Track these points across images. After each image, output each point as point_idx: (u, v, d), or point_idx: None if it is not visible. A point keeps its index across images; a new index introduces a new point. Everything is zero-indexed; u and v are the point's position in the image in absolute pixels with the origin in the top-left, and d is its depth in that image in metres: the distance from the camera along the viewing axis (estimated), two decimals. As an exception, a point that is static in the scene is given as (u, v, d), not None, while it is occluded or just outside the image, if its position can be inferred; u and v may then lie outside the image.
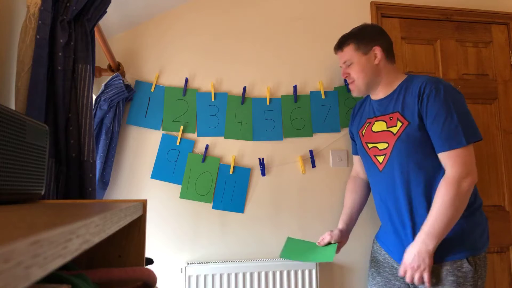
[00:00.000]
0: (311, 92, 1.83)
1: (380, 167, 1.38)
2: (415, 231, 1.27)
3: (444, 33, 2.03)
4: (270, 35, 1.86)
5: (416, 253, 1.18)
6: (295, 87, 1.80)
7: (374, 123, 1.43)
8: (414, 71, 1.97)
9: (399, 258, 1.33)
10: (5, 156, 0.53)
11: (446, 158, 1.22)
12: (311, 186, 1.78)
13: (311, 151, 1.78)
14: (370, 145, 1.43)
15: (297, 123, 1.80)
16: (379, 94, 1.43)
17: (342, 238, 1.46)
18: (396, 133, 1.32)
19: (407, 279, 1.20)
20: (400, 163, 1.31)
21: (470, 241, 1.24)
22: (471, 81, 2.02)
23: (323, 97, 1.82)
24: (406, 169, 1.29)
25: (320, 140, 1.82)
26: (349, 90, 1.53)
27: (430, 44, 2.02)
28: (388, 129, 1.35)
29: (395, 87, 1.39)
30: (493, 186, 1.96)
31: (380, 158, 1.38)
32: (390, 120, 1.35)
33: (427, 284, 1.18)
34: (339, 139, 1.82)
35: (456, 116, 1.21)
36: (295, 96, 1.80)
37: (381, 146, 1.37)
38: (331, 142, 1.82)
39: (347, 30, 1.52)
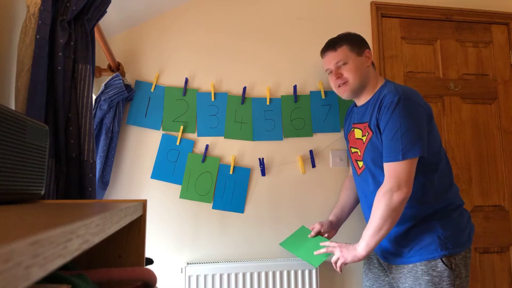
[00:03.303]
0: (311, 92, 1.83)
1: (358, 172, 1.46)
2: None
3: (444, 33, 2.03)
4: (270, 35, 1.86)
5: (356, 254, 1.29)
6: (295, 87, 1.80)
7: (354, 130, 1.49)
8: (414, 71, 1.97)
9: (380, 255, 1.45)
10: (5, 156, 0.53)
11: (385, 170, 1.28)
12: (311, 186, 1.78)
13: (311, 151, 1.78)
14: (353, 150, 1.50)
15: (297, 123, 1.80)
16: (360, 100, 1.47)
17: (331, 229, 1.55)
18: (365, 142, 1.39)
19: (334, 263, 1.34)
20: (371, 170, 1.38)
21: (445, 242, 1.28)
22: (471, 81, 2.02)
23: (323, 97, 1.82)
24: (377, 176, 1.34)
25: (320, 140, 1.82)
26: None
27: (430, 44, 2.02)
28: (362, 137, 1.42)
29: (373, 94, 1.42)
30: (493, 186, 1.96)
31: (360, 163, 1.44)
32: (364, 129, 1.41)
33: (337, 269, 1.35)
34: (339, 139, 1.82)
35: (401, 130, 1.24)
36: (295, 96, 1.80)
37: (359, 152, 1.44)
38: (331, 142, 1.82)
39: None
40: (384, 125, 1.29)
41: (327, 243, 1.40)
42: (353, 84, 1.42)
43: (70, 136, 0.99)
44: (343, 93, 1.45)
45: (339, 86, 1.45)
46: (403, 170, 1.23)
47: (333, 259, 1.35)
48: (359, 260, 1.29)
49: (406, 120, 1.24)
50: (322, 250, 1.39)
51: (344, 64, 1.42)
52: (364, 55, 1.44)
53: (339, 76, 1.43)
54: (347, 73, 1.42)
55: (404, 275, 1.32)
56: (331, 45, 1.47)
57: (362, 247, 1.27)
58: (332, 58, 1.45)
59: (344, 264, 1.32)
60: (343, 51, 1.43)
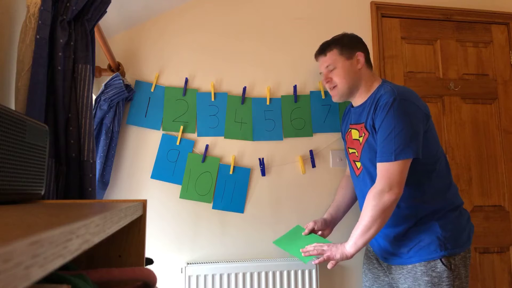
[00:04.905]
0: (311, 92, 1.83)
1: (357, 173, 1.46)
2: (382, 233, 1.37)
3: (444, 33, 2.03)
4: (270, 35, 1.86)
5: (344, 251, 1.28)
6: (295, 87, 1.80)
7: (351, 130, 1.49)
8: (414, 71, 1.97)
9: (379, 256, 1.44)
10: (5, 156, 0.53)
11: (378, 170, 1.28)
12: (311, 186, 1.78)
13: (311, 151, 1.78)
14: (350, 151, 1.49)
15: (297, 123, 1.80)
16: (357, 101, 1.47)
17: (326, 227, 1.54)
18: (361, 143, 1.39)
19: (318, 258, 1.32)
20: (369, 171, 1.37)
21: (444, 242, 1.27)
22: (471, 81, 2.02)
23: (323, 97, 1.82)
24: (375, 177, 1.33)
25: (320, 140, 1.82)
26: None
27: (430, 44, 2.02)
28: (359, 138, 1.42)
29: (369, 94, 1.42)
30: (493, 186, 1.96)
31: (358, 164, 1.44)
32: (361, 129, 1.42)
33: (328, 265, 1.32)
34: (339, 139, 1.82)
35: (395, 131, 1.24)
36: (295, 96, 1.80)
37: (356, 153, 1.44)
38: (331, 142, 1.82)
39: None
40: (379, 125, 1.29)
41: (311, 246, 1.35)
42: (341, 88, 1.44)
43: (70, 136, 0.99)
44: (333, 97, 1.50)
45: (330, 89, 1.49)
46: (395, 171, 1.23)
47: (322, 257, 1.32)
48: (347, 258, 1.28)
49: (401, 121, 1.24)
50: (311, 252, 1.34)
51: (334, 69, 1.45)
52: (355, 58, 1.44)
53: (328, 80, 1.48)
54: (336, 78, 1.45)
55: (403, 276, 1.32)
56: (322, 49, 1.50)
57: (350, 245, 1.28)
58: (322, 62, 1.49)
59: (331, 260, 1.29)
60: (332, 56, 1.45)
